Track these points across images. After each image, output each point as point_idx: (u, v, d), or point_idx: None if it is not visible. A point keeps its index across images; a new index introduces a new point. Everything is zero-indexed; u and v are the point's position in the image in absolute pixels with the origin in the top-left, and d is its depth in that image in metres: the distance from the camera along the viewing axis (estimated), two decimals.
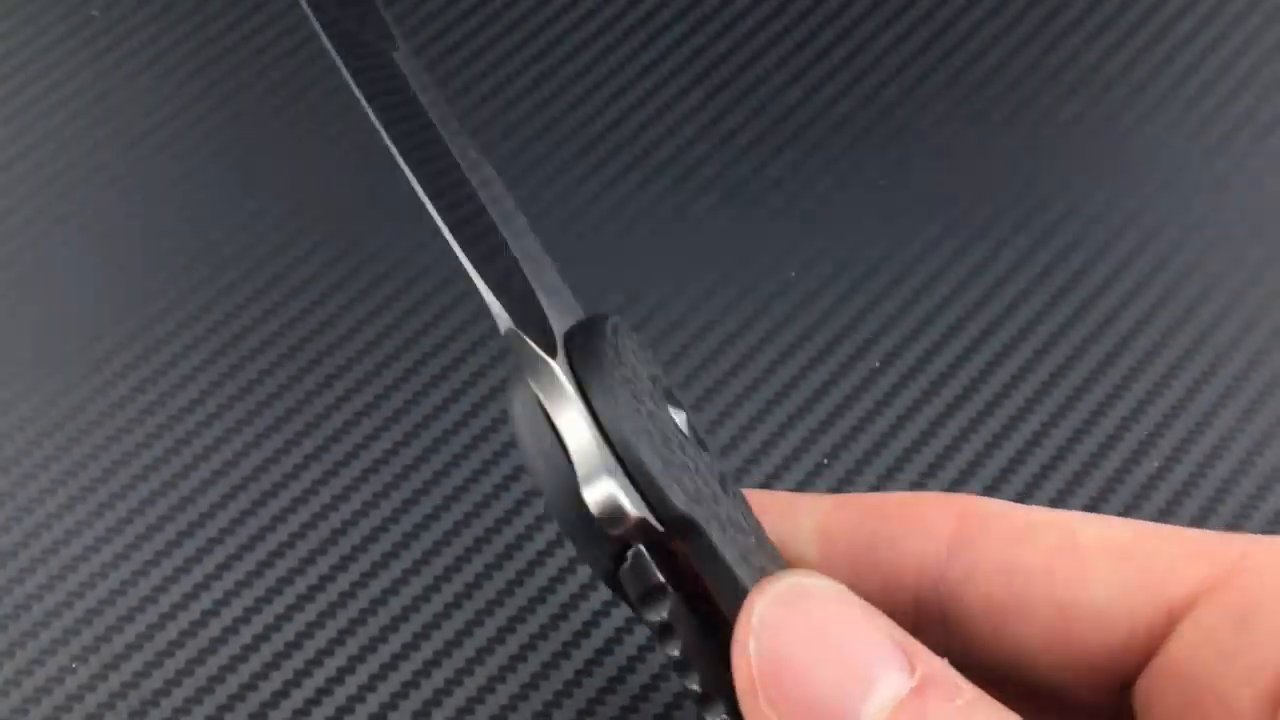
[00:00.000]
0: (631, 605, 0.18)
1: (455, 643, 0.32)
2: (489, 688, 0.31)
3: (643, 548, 0.17)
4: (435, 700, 0.31)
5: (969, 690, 0.15)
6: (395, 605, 0.32)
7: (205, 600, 0.32)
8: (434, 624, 0.32)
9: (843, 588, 0.16)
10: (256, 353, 0.36)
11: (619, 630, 0.32)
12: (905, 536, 0.20)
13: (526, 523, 0.33)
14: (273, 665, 0.32)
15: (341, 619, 0.32)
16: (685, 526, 0.17)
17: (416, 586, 0.32)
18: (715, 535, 0.17)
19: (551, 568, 0.32)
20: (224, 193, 0.38)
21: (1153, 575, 0.17)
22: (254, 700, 0.31)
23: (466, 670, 0.31)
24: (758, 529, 0.19)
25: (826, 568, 0.20)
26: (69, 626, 0.32)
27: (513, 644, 0.32)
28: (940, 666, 0.15)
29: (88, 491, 0.34)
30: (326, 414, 0.35)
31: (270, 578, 0.33)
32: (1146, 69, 0.40)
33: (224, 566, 0.33)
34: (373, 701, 0.31)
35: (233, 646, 0.32)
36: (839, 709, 0.15)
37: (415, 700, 0.31)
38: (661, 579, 0.17)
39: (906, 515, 0.20)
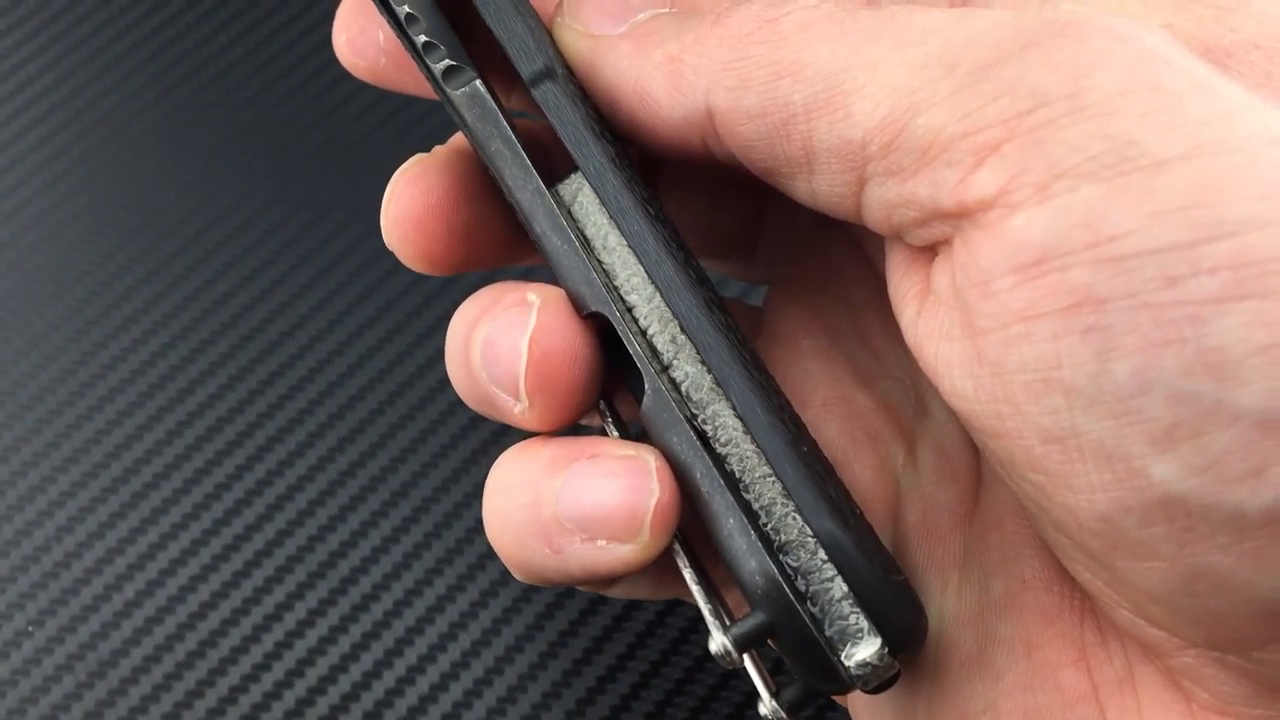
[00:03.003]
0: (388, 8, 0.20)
1: (494, 630, 0.32)
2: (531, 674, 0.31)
3: None
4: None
5: None
6: (423, 602, 0.32)
7: (162, 560, 0.32)
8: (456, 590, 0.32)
9: None
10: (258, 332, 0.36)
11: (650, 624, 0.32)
12: None
13: None
14: (230, 623, 0.32)
15: (377, 610, 0.32)
16: None
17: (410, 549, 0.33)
18: None
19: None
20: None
21: None
22: (213, 657, 0.31)
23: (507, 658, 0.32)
24: None
25: None
26: (25, 591, 0.32)
27: (551, 630, 0.32)
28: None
29: (40, 457, 0.34)
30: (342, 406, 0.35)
31: (247, 547, 0.33)
32: None
33: (180, 526, 0.33)
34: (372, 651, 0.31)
35: (191, 604, 0.32)
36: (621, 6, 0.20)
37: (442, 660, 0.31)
38: None
39: None
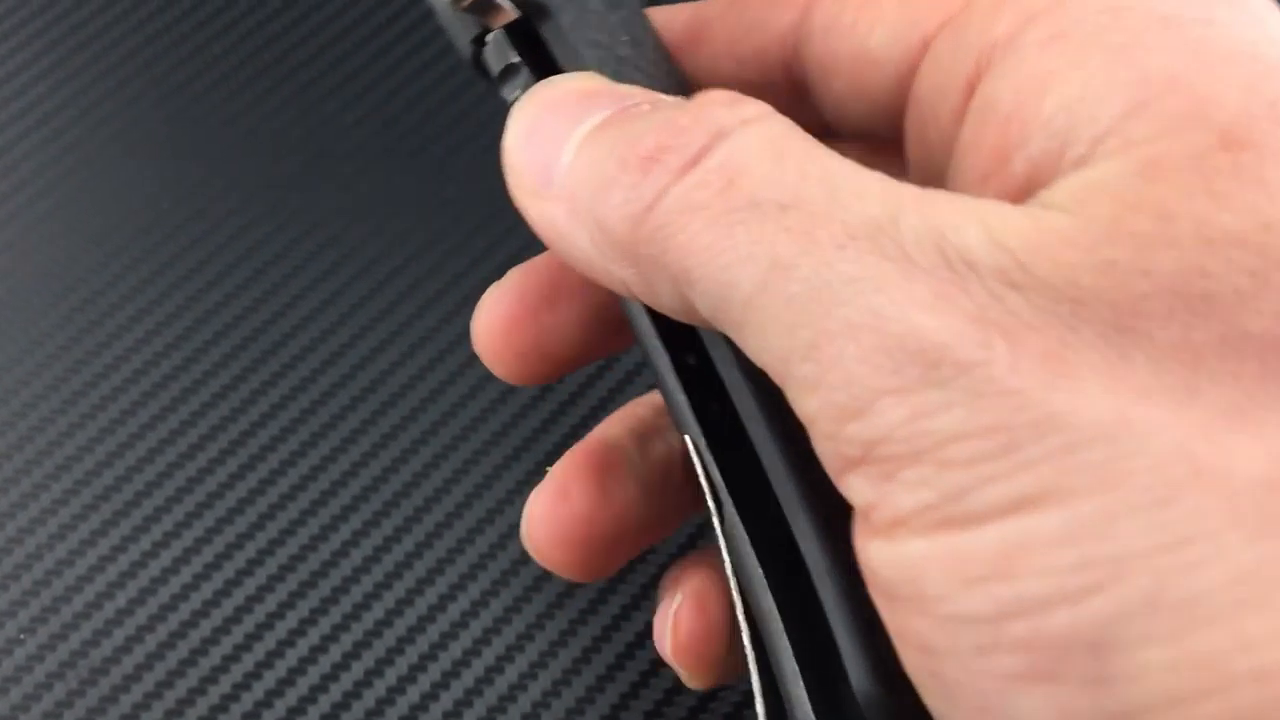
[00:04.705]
0: (495, 86, 0.20)
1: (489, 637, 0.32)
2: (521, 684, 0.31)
3: (504, 31, 0.20)
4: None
5: (670, 102, 0.17)
6: (419, 607, 0.32)
7: (153, 567, 0.32)
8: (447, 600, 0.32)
9: (600, 80, 0.18)
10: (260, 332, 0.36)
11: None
12: (769, 14, 0.21)
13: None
14: (234, 620, 0.32)
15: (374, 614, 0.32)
16: (538, 9, 0.19)
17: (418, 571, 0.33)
18: (568, 20, 0.19)
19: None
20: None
21: (919, 14, 0.18)
22: (205, 665, 0.31)
23: (498, 667, 0.32)
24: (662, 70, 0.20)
25: (709, 62, 0.21)
26: (17, 598, 0.32)
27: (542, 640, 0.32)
28: (649, 96, 0.17)
29: (35, 462, 0.34)
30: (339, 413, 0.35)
31: (223, 547, 0.33)
32: None
33: (172, 534, 0.33)
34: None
35: (182, 613, 0.32)
36: (554, 143, 0.17)
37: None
38: (518, 59, 0.20)
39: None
